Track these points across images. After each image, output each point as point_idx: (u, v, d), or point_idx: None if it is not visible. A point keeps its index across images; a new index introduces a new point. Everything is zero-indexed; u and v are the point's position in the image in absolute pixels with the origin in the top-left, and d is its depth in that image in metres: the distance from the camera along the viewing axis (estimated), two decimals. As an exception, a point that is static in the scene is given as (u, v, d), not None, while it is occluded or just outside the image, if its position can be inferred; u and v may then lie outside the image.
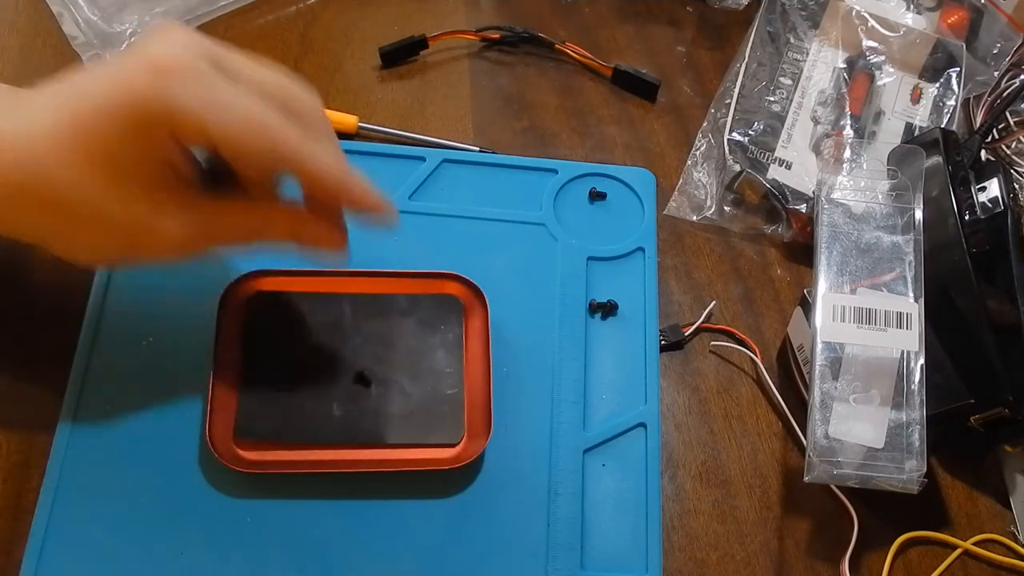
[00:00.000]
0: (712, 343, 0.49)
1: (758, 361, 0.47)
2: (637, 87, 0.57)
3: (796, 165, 0.52)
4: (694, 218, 0.52)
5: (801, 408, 0.45)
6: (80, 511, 0.39)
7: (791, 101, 0.54)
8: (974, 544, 0.44)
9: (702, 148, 0.54)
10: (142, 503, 0.39)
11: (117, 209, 0.34)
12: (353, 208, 0.39)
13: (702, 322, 0.49)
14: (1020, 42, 0.57)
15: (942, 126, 0.53)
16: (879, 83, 0.55)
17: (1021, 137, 0.56)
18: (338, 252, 0.40)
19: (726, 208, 0.52)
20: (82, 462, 0.40)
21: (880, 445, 0.41)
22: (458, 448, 0.41)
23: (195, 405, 0.41)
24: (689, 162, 0.54)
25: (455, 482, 0.41)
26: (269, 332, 0.43)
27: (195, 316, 0.43)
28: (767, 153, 0.52)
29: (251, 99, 0.35)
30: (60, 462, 0.39)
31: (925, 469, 0.40)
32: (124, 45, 0.53)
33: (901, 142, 0.53)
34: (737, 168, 0.52)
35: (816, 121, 0.54)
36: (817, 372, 0.42)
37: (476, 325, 0.45)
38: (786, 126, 0.54)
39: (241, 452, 0.40)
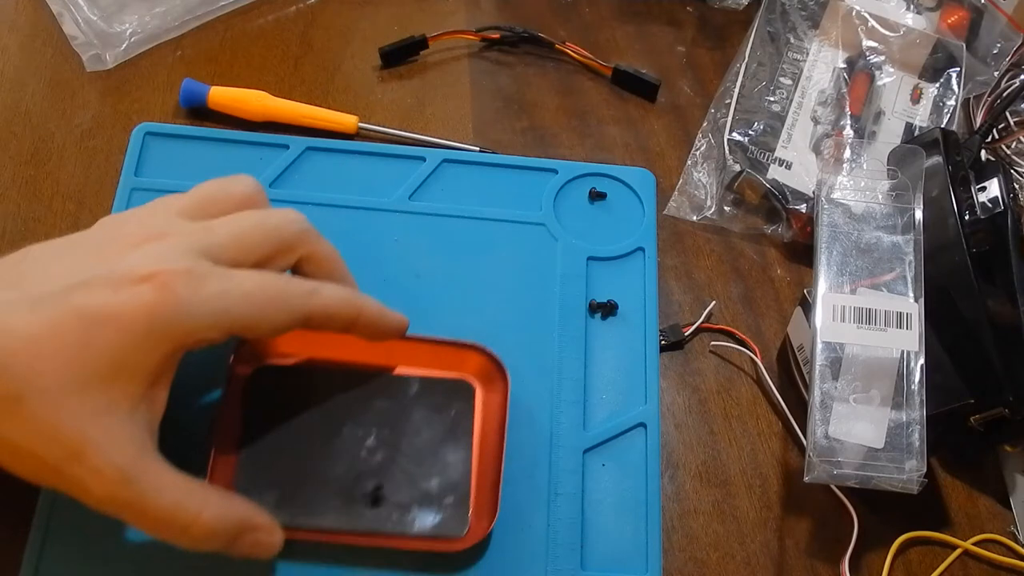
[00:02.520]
0: (712, 343, 0.49)
1: (758, 361, 0.47)
2: (637, 87, 0.57)
3: (796, 165, 0.52)
4: (694, 218, 0.52)
5: (801, 408, 0.45)
6: None
7: (791, 101, 0.54)
8: (974, 544, 0.44)
9: (702, 148, 0.54)
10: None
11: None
12: (369, 335, 0.38)
13: (702, 322, 0.49)
14: (1020, 42, 0.57)
15: (942, 126, 0.53)
16: (879, 83, 0.55)
17: (1021, 137, 0.56)
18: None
19: (726, 208, 0.52)
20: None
21: (880, 445, 0.41)
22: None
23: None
24: (689, 162, 0.54)
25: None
26: (269, 412, 0.41)
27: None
28: (767, 153, 0.52)
29: (249, 276, 0.34)
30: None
31: (925, 469, 0.40)
32: (124, 46, 0.53)
33: (901, 142, 0.53)
34: (737, 168, 0.52)
35: (816, 121, 0.54)
36: (817, 372, 0.42)
37: (494, 401, 0.42)
38: (786, 126, 0.54)
39: None
